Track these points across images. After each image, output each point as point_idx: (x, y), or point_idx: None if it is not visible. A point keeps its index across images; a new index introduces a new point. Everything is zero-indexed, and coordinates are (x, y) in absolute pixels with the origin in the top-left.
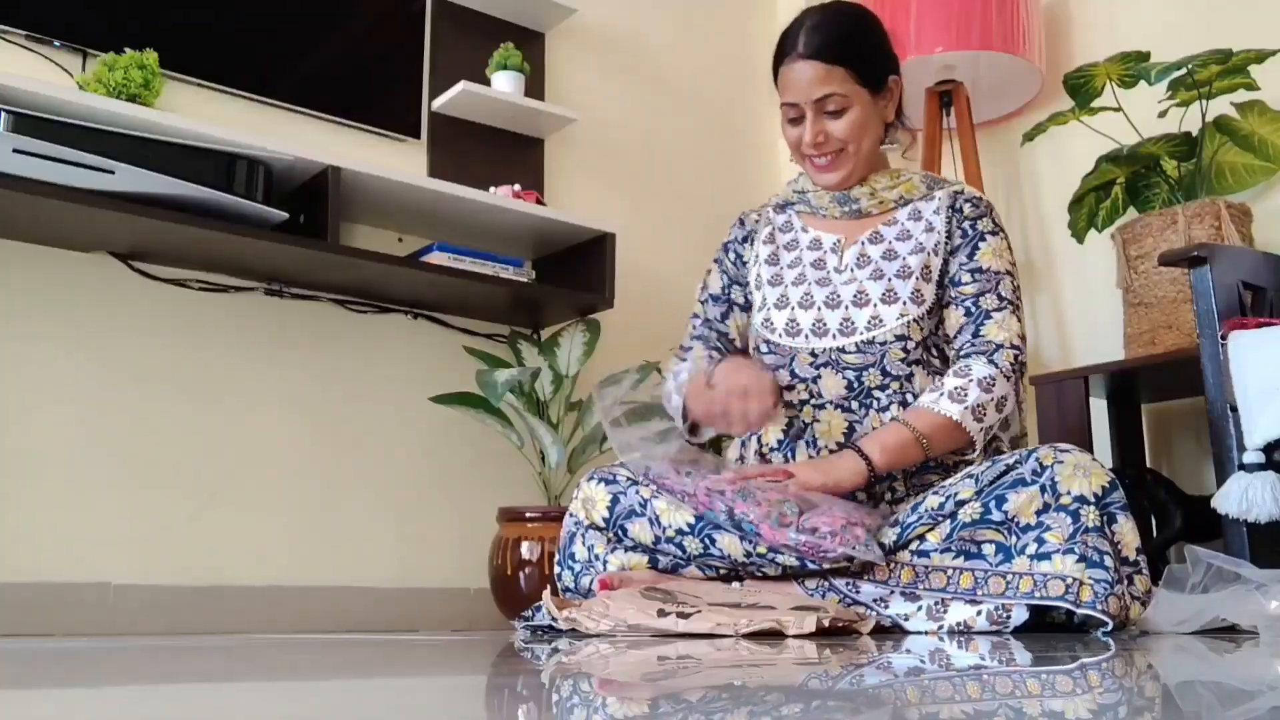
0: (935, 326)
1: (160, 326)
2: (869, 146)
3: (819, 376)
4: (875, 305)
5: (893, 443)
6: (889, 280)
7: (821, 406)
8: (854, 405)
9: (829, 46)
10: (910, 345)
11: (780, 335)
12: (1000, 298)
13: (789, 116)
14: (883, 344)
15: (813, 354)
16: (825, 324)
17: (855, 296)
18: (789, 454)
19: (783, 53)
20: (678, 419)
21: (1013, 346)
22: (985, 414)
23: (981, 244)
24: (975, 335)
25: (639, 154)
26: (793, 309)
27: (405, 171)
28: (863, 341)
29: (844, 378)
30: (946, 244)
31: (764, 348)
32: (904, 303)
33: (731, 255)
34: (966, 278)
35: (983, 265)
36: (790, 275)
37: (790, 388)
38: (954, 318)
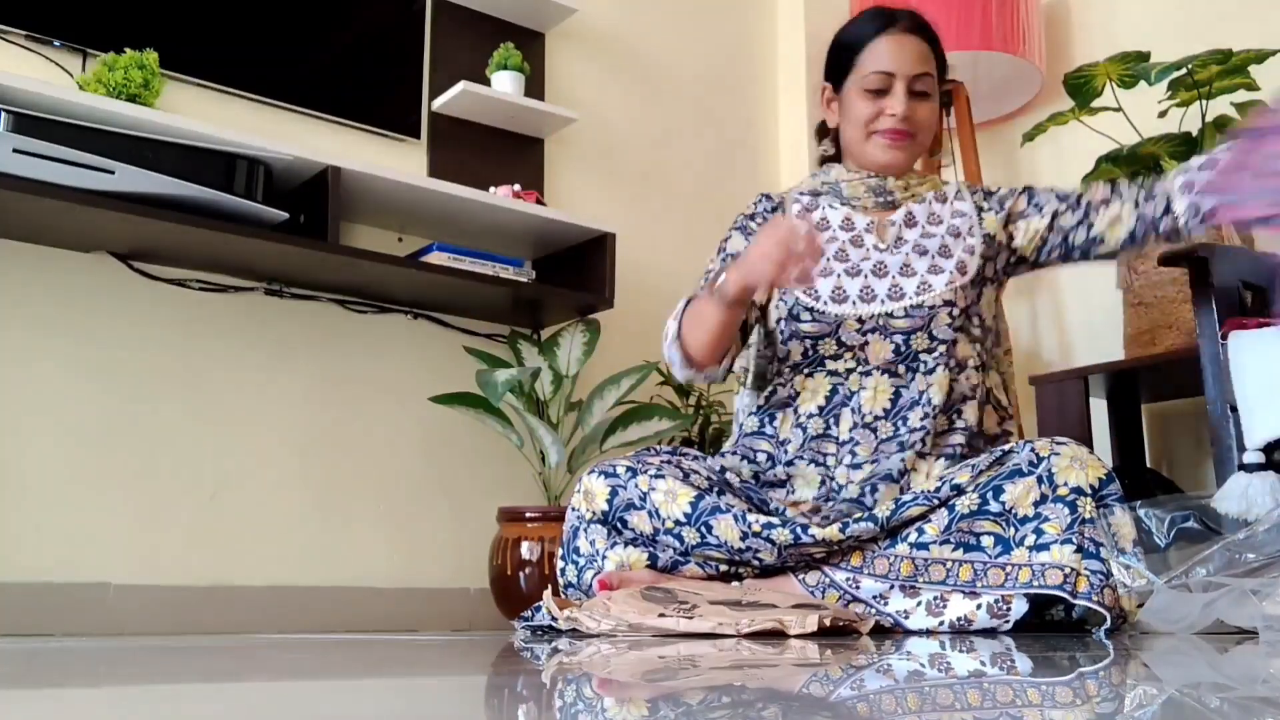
0: (977, 297)
1: (160, 326)
2: (926, 143)
3: (866, 343)
4: (922, 273)
5: None
6: (932, 254)
7: (868, 373)
8: (900, 369)
9: (928, 31)
10: (955, 311)
11: (825, 302)
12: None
13: (873, 87)
14: (932, 308)
15: (860, 320)
16: (873, 290)
17: (901, 267)
18: (832, 420)
19: (881, 25)
20: (672, 350)
21: None
22: None
23: (1031, 189)
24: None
25: (639, 154)
26: (839, 276)
27: (405, 171)
28: (912, 306)
29: (892, 342)
30: (979, 222)
31: (805, 317)
32: (950, 271)
33: (758, 222)
34: (1048, 200)
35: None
36: (830, 249)
37: (836, 356)
38: (1068, 219)
